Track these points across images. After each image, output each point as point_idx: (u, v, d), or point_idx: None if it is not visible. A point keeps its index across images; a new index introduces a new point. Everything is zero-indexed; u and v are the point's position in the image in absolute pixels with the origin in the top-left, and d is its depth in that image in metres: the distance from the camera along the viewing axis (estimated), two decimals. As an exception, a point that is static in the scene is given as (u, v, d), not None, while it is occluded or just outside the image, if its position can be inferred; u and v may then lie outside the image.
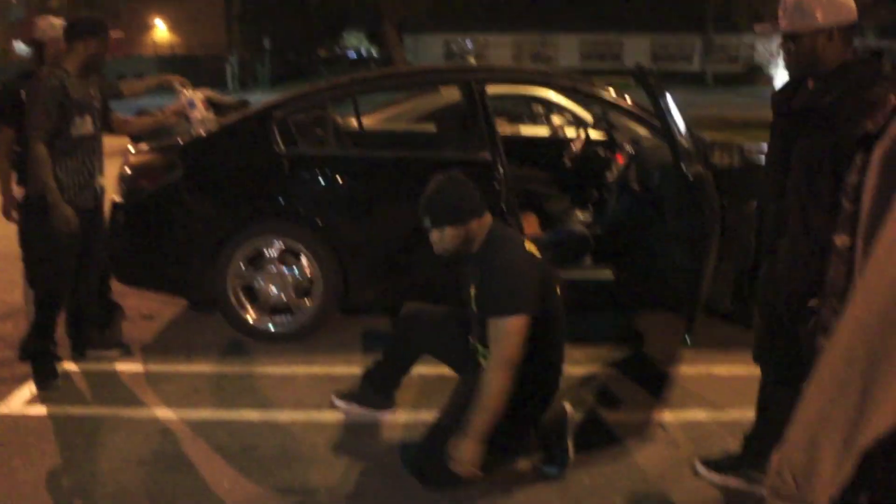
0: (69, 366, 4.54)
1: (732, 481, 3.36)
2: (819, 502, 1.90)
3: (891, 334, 1.83)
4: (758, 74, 41.42)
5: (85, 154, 4.32)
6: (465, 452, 3.02)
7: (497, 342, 3.08)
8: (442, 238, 3.26)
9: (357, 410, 3.98)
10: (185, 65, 37.81)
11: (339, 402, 4.05)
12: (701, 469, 3.47)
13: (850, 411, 1.83)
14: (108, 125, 4.93)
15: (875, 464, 1.86)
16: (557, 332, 3.43)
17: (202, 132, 4.91)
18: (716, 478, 3.40)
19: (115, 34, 4.79)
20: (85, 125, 4.29)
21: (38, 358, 4.43)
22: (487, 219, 3.31)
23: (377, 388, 3.96)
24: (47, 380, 4.37)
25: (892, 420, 1.84)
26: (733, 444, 3.69)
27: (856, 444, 1.84)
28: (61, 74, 4.19)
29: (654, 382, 4.39)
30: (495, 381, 3.04)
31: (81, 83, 4.29)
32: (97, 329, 4.82)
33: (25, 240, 4.39)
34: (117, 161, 4.99)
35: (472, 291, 3.33)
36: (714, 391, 4.29)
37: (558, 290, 3.43)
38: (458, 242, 3.26)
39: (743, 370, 4.53)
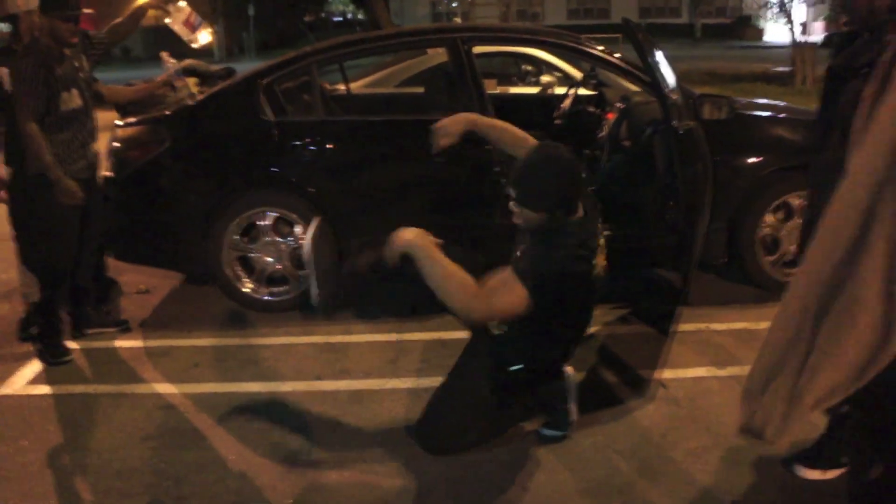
0: (70, 344, 4.53)
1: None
2: (775, 442, 1.94)
3: (839, 289, 1.83)
4: (746, 27, 41.22)
5: (76, 127, 4.29)
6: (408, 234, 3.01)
7: (498, 292, 2.96)
8: (522, 215, 3.10)
9: None
10: (171, 35, 37.49)
11: None
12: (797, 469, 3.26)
13: (798, 362, 1.84)
14: (97, 96, 4.92)
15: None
16: (580, 322, 3.42)
17: (189, 102, 4.87)
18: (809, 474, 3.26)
19: (86, 10, 4.71)
20: (73, 99, 4.24)
21: (47, 336, 4.45)
22: (578, 213, 3.18)
23: None
24: (58, 358, 4.39)
25: (841, 378, 1.84)
26: (732, 399, 3.72)
27: (801, 400, 1.85)
28: (42, 50, 4.14)
29: (652, 341, 4.40)
30: (461, 290, 2.92)
31: (62, 56, 4.23)
32: (95, 307, 4.81)
33: (18, 219, 4.36)
34: (106, 135, 4.95)
35: (518, 252, 3.22)
36: (713, 347, 4.31)
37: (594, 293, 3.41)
38: (537, 225, 3.09)
39: (740, 325, 4.57)
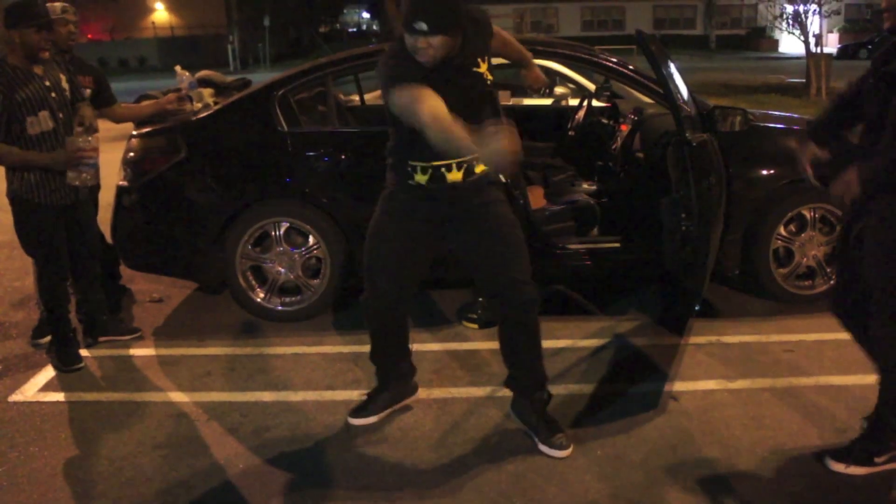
0: (82, 352, 4.55)
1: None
2: None
3: None
4: (761, 38, 41.15)
5: (48, 151, 4.08)
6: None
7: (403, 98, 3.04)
8: (432, 45, 3.04)
9: (383, 414, 3.77)
10: (186, 45, 37.76)
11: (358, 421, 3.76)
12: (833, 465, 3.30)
13: None
14: (111, 117, 4.99)
15: None
16: None
17: (204, 113, 4.90)
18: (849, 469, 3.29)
19: (68, 17, 4.68)
20: (43, 122, 4.04)
21: (58, 344, 4.43)
22: None
23: (399, 381, 3.83)
24: (69, 365, 4.38)
25: None
26: (743, 412, 3.71)
27: None
28: (6, 74, 3.94)
29: (663, 353, 4.39)
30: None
31: (30, 77, 4.01)
32: (108, 315, 4.81)
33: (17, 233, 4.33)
34: (121, 145, 4.99)
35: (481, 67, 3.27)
36: (724, 360, 4.29)
37: None
38: (444, 54, 3.09)
39: (752, 338, 4.55)
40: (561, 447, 3.42)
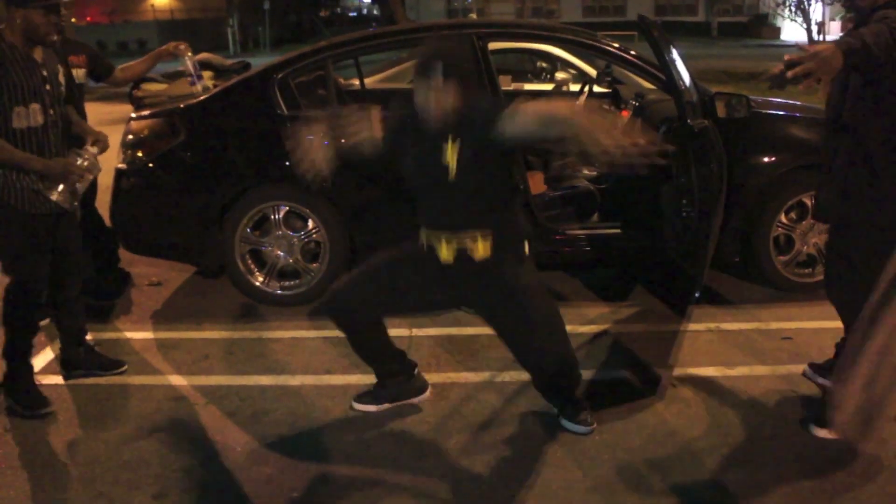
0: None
1: (828, 383, 3.59)
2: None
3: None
4: (763, 25, 40.96)
5: (34, 151, 3.56)
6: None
7: (531, 113, 2.96)
8: (444, 94, 3.00)
9: (383, 407, 3.69)
10: (185, 29, 37.59)
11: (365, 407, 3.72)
12: (807, 371, 3.87)
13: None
14: (114, 83, 4.96)
15: None
16: None
17: (203, 96, 4.89)
18: (819, 379, 3.78)
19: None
20: (32, 115, 3.52)
21: (17, 383, 3.80)
22: None
23: (392, 379, 3.69)
24: (37, 408, 3.75)
25: None
26: (742, 399, 3.71)
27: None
28: (2, 50, 3.47)
29: (662, 339, 4.38)
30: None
31: (27, 61, 3.54)
32: (85, 347, 4.20)
33: None
34: (120, 127, 4.97)
35: (450, 150, 3.06)
36: (723, 346, 4.29)
37: None
38: (451, 106, 3.03)
39: (752, 325, 4.55)
40: (586, 423, 3.45)
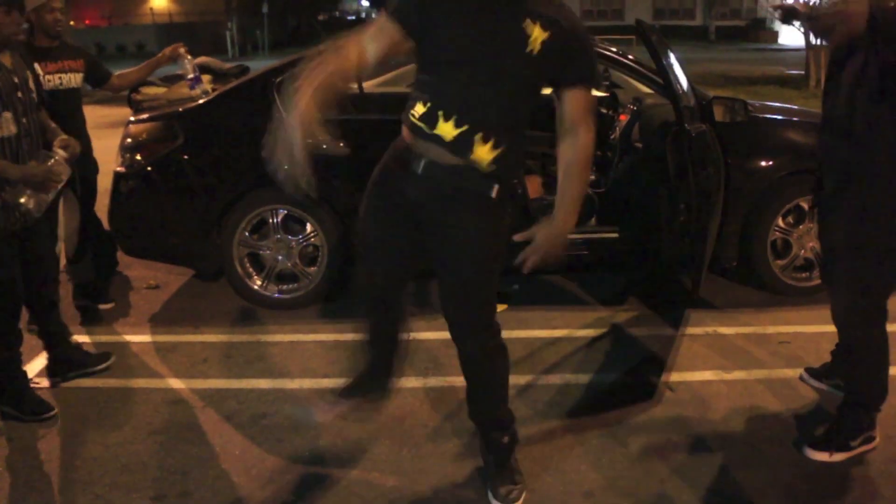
0: (80, 338, 4.54)
1: (824, 387, 3.78)
2: None
3: None
4: (761, 29, 41.05)
5: (10, 161, 3.42)
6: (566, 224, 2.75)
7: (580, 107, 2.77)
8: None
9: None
10: (184, 32, 37.58)
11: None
12: (804, 375, 3.90)
13: None
14: (110, 90, 4.98)
15: None
16: None
17: (202, 100, 4.90)
18: (814, 383, 3.84)
19: (54, 4, 4.42)
20: (5, 125, 3.37)
21: (16, 394, 3.76)
22: None
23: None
24: (41, 413, 3.73)
25: None
26: (739, 403, 3.72)
27: None
28: None
29: (660, 343, 4.39)
30: (588, 143, 2.76)
31: (3, 69, 3.42)
32: (71, 345, 4.22)
33: None
34: (118, 131, 4.97)
35: (531, 26, 2.61)
36: (720, 351, 4.29)
37: None
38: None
39: (749, 329, 4.56)
40: (505, 500, 3.02)
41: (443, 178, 2.73)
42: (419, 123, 2.71)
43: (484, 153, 2.66)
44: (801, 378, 3.90)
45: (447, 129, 2.65)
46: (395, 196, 2.87)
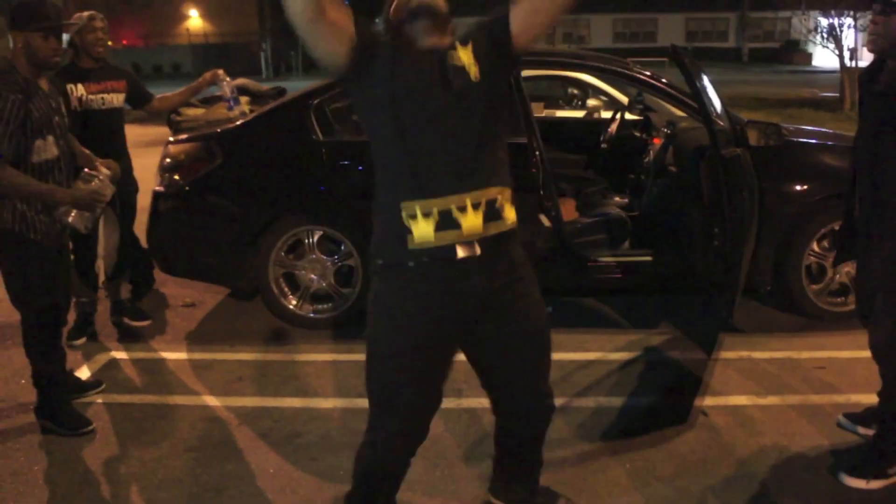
0: (117, 354, 4.61)
1: (870, 432, 3.55)
2: None
3: None
4: (795, 51, 40.84)
5: (54, 183, 3.54)
6: None
7: None
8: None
9: None
10: (219, 53, 38.08)
11: None
12: (843, 421, 3.70)
13: None
14: (151, 112, 5.06)
15: None
16: None
17: (240, 121, 4.97)
18: (860, 430, 3.63)
19: (96, 24, 4.56)
20: (48, 148, 3.49)
21: (59, 412, 3.82)
22: None
23: None
24: (78, 427, 3.80)
25: None
26: (773, 429, 3.69)
27: None
28: (19, 84, 3.38)
29: (694, 367, 4.37)
30: None
31: (39, 92, 3.48)
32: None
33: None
34: (157, 150, 5.06)
35: (461, 52, 2.38)
36: (755, 375, 4.27)
37: None
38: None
39: (783, 354, 4.53)
40: None
41: (491, 264, 2.39)
42: (434, 243, 2.30)
43: (511, 212, 2.42)
44: (839, 424, 3.72)
45: (474, 222, 2.31)
46: (438, 329, 2.45)
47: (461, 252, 2.31)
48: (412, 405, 2.53)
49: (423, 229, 2.29)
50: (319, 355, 4.63)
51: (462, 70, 2.33)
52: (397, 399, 2.51)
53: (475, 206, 2.29)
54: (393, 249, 2.37)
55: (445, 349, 2.52)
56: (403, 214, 2.31)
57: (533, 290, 2.55)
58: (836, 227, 4.69)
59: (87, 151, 3.93)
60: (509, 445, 2.87)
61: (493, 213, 2.34)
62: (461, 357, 2.74)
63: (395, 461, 2.65)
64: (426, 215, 2.28)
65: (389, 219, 2.35)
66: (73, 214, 3.54)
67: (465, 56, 2.34)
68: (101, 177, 3.69)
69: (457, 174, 2.29)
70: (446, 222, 2.28)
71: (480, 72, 2.33)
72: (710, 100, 4.43)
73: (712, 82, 4.76)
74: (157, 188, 4.92)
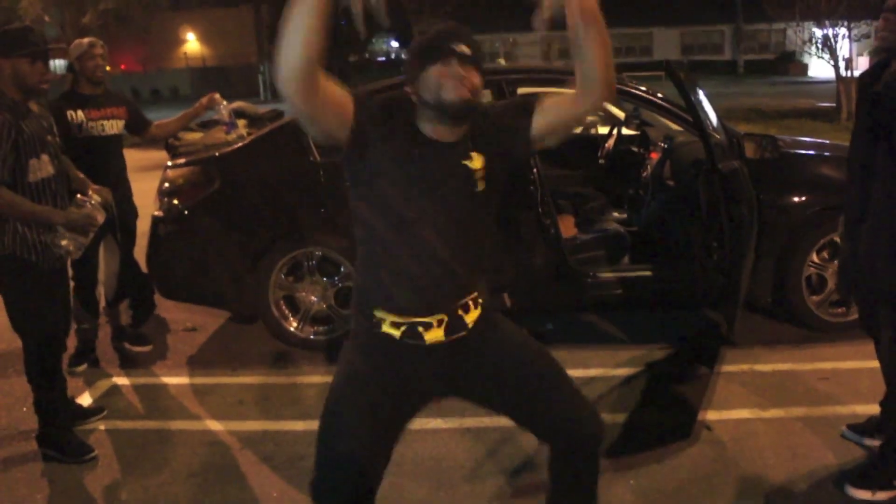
0: (118, 380, 4.60)
1: (875, 442, 3.51)
2: None
3: None
4: (790, 62, 40.95)
5: (48, 202, 3.56)
6: None
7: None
8: (472, 76, 2.21)
9: None
10: (217, 76, 38.20)
11: None
12: (847, 432, 3.67)
13: None
14: (149, 139, 5.07)
15: None
16: None
17: (238, 144, 4.98)
18: (865, 441, 3.60)
19: (95, 51, 4.62)
20: (43, 167, 3.53)
21: (60, 438, 3.81)
22: None
23: None
24: (82, 455, 3.78)
25: None
26: (777, 442, 3.68)
27: None
28: (7, 105, 3.44)
29: (696, 381, 4.37)
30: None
31: (30, 114, 3.54)
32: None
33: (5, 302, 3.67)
34: (156, 174, 5.07)
35: (474, 158, 2.28)
36: (757, 389, 4.26)
37: None
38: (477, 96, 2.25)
39: (786, 366, 4.52)
40: None
41: (458, 344, 2.37)
42: (400, 337, 2.33)
43: (477, 309, 2.39)
44: (843, 436, 3.71)
45: (436, 336, 2.33)
46: (394, 391, 2.43)
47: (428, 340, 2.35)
48: (350, 456, 2.48)
49: (390, 329, 2.33)
50: (321, 377, 4.61)
51: (470, 176, 2.28)
52: (338, 430, 2.50)
53: (439, 324, 2.32)
54: (364, 320, 2.38)
55: (399, 411, 2.49)
56: (375, 312, 2.34)
57: (504, 325, 2.53)
58: (835, 238, 4.72)
59: (82, 176, 3.98)
60: (562, 473, 2.61)
61: (456, 327, 2.35)
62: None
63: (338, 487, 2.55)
64: (394, 323, 2.32)
65: (363, 301, 2.38)
66: (66, 239, 3.58)
67: (477, 162, 2.29)
68: (92, 202, 3.73)
69: (425, 300, 2.31)
70: (412, 333, 2.32)
71: (487, 184, 2.30)
72: (705, 113, 4.44)
73: (708, 95, 4.78)
74: (157, 213, 4.93)
